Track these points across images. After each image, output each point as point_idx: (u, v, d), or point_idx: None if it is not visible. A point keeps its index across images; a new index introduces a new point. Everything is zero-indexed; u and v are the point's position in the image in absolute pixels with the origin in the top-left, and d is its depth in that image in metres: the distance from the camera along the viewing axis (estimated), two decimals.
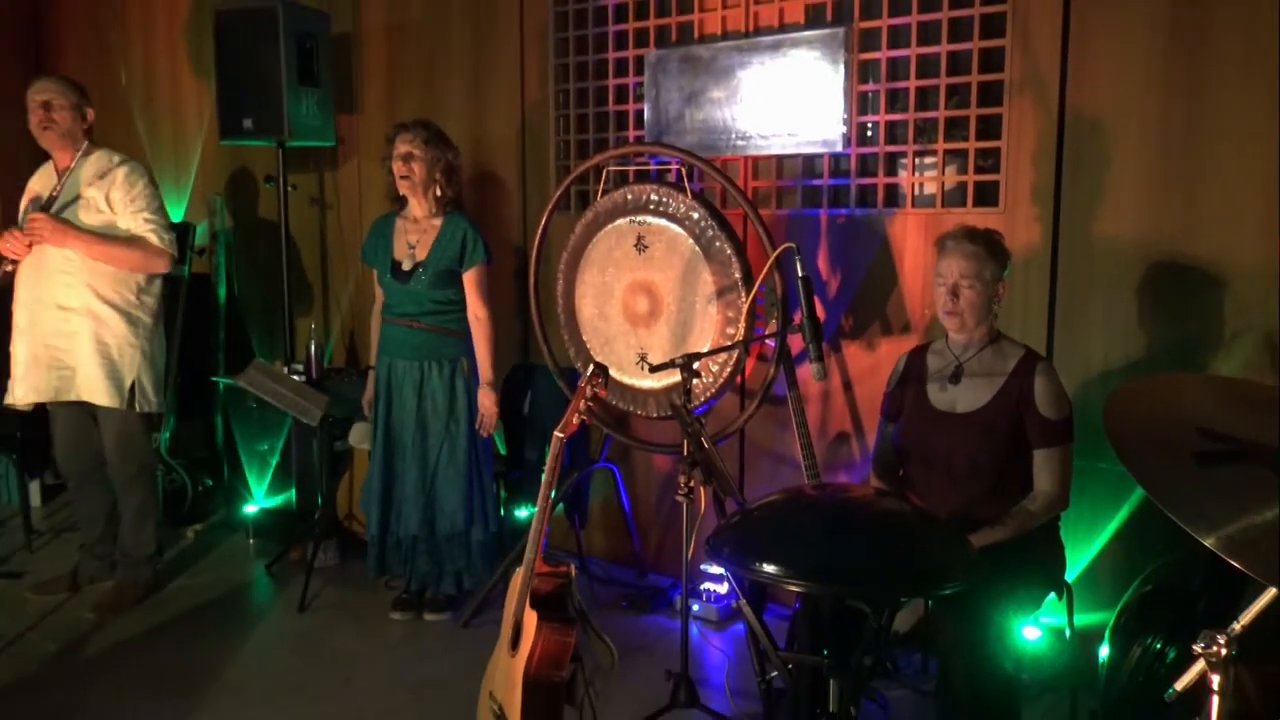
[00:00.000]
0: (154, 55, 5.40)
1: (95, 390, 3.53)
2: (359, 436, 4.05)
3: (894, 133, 3.32)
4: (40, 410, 3.70)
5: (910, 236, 3.26)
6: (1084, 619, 2.86)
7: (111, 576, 3.78)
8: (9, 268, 3.48)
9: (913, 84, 3.20)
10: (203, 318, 4.89)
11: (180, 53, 5.27)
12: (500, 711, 2.41)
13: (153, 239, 3.54)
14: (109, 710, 2.99)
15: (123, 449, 3.64)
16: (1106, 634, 2.66)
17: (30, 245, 3.45)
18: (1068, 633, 2.67)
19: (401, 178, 3.45)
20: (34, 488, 4.82)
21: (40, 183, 3.62)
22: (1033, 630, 2.80)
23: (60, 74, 3.73)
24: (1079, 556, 2.97)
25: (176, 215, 5.28)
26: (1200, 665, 1.43)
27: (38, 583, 3.85)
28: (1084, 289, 2.97)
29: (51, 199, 3.48)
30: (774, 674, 2.64)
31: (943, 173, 3.21)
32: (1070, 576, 2.74)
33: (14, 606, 3.69)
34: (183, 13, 5.22)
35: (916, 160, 3.27)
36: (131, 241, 3.52)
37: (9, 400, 3.59)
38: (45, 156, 3.66)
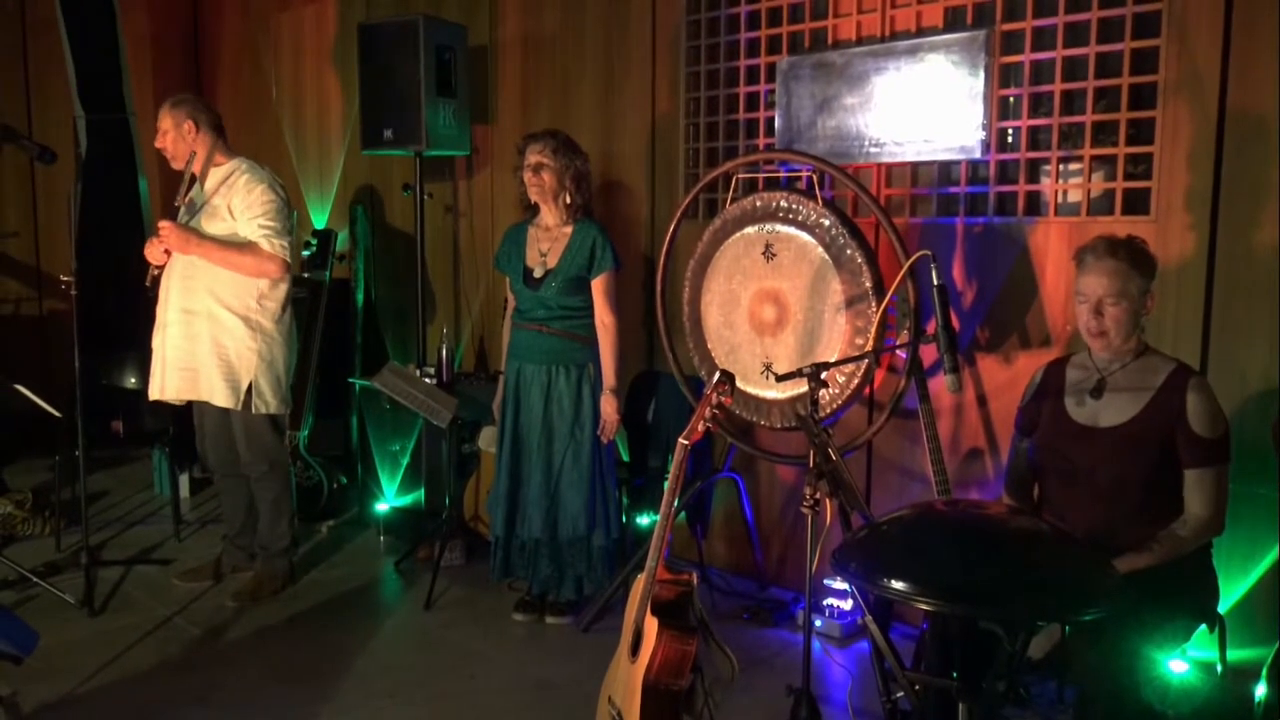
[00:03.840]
0: (302, 72, 5.65)
1: (214, 391, 3.66)
2: (488, 440, 4.13)
3: (1036, 138, 3.20)
4: (190, 406, 3.86)
5: (1053, 246, 3.13)
6: (1238, 654, 2.68)
7: (252, 567, 3.95)
8: (155, 272, 3.66)
9: (1058, 87, 3.08)
10: (342, 321, 5.08)
11: (326, 69, 5.50)
12: (619, 716, 2.41)
13: (263, 245, 3.59)
14: (244, 692, 3.11)
15: (250, 447, 3.78)
16: (1263, 672, 2.49)
17: (167, 252, 3.62)
18: (1219, 668, 2.51)
19: (532, 187, 3.51)
20: (183, 480, 5.07)
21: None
22: (1180, 664, 2.63)
23: (184, 95, 3.78)
24: (1234, 587, 2.78)
25: (319, 222, 5.51)
26: None
27: (184, 570, 4.05)
28: (1243, 300, 2.79)
29: (176, 208, 3.64)
30: (899, 695, 2.56)
31: (1089, 179, 3.07)
32: (1223, 608, 2.57)
33: (162, 591, 3.89)
34: (329, 30, 5.45)
35: (1061, 167, 3.14)
36: (244, 247, 3.59)
37: (151, 395, 3.77)
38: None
